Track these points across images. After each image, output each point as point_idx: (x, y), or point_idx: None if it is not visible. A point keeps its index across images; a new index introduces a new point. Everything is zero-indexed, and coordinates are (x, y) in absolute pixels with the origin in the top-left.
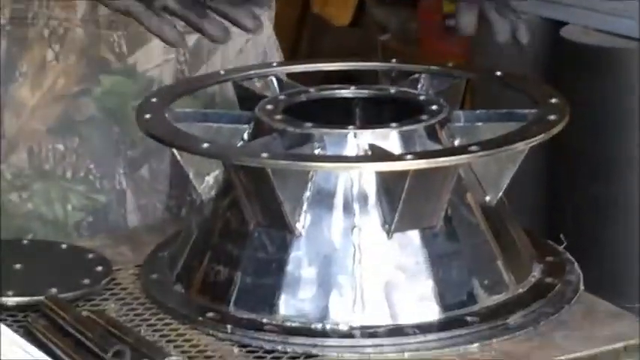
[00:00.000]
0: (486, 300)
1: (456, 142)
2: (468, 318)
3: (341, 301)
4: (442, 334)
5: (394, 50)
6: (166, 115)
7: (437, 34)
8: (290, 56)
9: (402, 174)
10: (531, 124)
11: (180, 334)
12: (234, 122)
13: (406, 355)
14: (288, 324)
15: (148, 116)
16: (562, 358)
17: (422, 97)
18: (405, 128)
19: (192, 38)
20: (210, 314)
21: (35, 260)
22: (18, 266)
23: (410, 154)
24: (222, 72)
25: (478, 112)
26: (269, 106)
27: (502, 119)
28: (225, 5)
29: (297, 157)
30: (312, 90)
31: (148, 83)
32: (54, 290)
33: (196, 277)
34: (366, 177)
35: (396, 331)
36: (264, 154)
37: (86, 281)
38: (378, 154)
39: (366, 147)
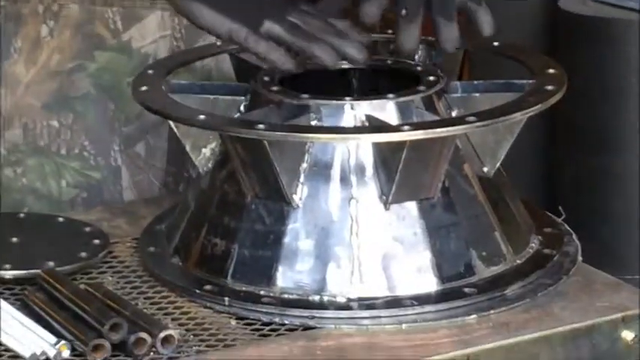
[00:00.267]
0: (484, 271)
1: (454, 113)
2: (466, 289)
3: (338, 272)
4: (440, 306)
5: (392, 21)
6: (162, 87)
7: None
8: None
9: (399, 145)
10: (529, 94)
11: (178, 307)
12: (230, 94)
13: (404, 326)
14: (286, 296)
15: (144, 88)
16: (560, 329)
17: (419, 68)
18: (402, 99)
19: None
20: (207, 287)
21: (32, 233)
22: (15, 239)
23: (407, 124)
24: (218, 43)
25: (475, 82)
26: (265, 78)
27: (499, 90)
28: (331, 35)
29: (293, 128)
30: (308, 61)
31: (144, 59)
32: (51, 263)
33: (194, 249)
34: (363, 148)
35: (394, 302)
36: (261, 126)
37: (83, 254)
38: (375, 125)
39: (363, 118)
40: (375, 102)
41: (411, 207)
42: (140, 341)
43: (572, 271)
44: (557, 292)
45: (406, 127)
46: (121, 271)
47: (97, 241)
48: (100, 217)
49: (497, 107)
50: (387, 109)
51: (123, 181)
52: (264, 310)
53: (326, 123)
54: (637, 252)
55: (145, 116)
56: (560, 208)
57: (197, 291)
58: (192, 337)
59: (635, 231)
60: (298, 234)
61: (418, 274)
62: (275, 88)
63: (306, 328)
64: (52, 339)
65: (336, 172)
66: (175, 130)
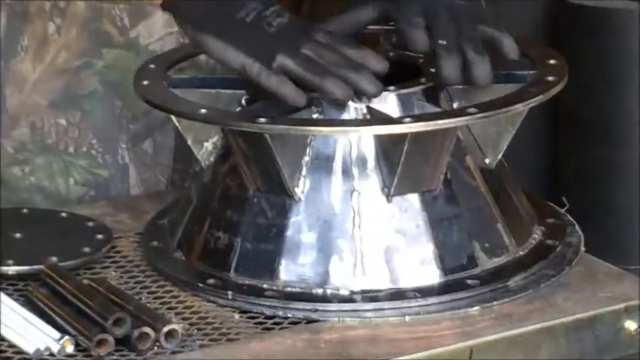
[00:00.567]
0: (487, 263)
1: (455, 105)
2: (469, 281)
3: (341, 265)
4: (443, 298)
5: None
6: (164, 81)
7: None
8: None
9: (401, 137)
10: (530, 85)
11: (181, 301)
12: (232, 87)
13: (407, 318)
14: (289, 289)
15: (145, 82)
16: (563, 320)
17: (420, 60)
18: (403, 91)
19: None
20: (210, 281)
21: (35, 229)
22: (18, 235)
23: (408, 117)
24: None
25: None
26: None
27: (501, 81)
28: (345, 68)
29: (295, 121)
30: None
31: (151, 56)
32: (54, 259)
33: (196, 243)
34: (364, 141)
35: (397, 294)
36: (263, 119)
37: (86, 249)
38: (376, 117)
39: (365, 110)
40: None
41: (413, 199)
42: (144, 336)
43: (574, 262)
44: (559, 283)
45: (407, 120)
46: (125, 265)
47: (100, 236)
48: (104, 211)
49: (499, 98)
50: (388, 102)
51: (130, 178)
52: (267, 303)
53: (327, 116)
54: (638, 242)
55: (152, 114)
56: (563, 198)
57: (200, 285)
58: (195, 331)
59: (638, 222)
60: (301, 227)
61: (421, 266)
62: None
63: (310, 321)
64: (56, 334)
65: (338, 165)
66: (177, 124)
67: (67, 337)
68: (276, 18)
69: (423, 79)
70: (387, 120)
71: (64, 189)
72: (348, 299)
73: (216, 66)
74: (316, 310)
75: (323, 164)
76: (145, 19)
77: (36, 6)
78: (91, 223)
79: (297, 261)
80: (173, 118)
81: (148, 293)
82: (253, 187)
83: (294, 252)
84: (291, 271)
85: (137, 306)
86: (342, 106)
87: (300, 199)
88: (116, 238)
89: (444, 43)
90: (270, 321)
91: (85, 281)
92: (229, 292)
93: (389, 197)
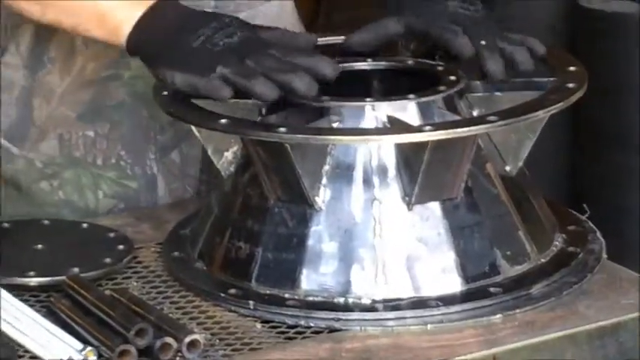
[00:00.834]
0: (509, 270)
1: (475, 113)
2: (491, 289)
3: (363, 274)
4: (465, 306)
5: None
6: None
7: None
8: (307, 30)
9: (421, 145)
10: (550, 92)
11: (203, 311)
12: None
13: (429, 327)
14: (311, 299)
15: (165, 93)
16: (586, 327)
17: (440, 68)
18: (423, 99)
19: None
20: (232, 290)
21: (56, 240)
22: (39, 246)
23: (428, 125)
24: None
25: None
26: None
27: (520, 88)
28: (279, 72)
29: (315, 130)
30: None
31: None
32: (76, 270)
33: (217, 253)
34: (385, 149)
35: (419, 303)
36: (282, 129)
37: (108, 260)
38: (396, 126)
39: (385, 119)
40: (396, 103)
41: (435, 207)
42: (166, 346)
43: (596, 269)
44: (582, 290)
45: (428, 128)
46: (146, 276)
47: (121, 247)
48: (125, 222)
49: (519, 106)
50: (408, 110)
51: (159, 189)
52: (289, 313)
53: (347, 125)
54: None
55: (179, 124)
56: (584, 205)
57: (222, 295)
58: (217, 341)
59: None
60: (321, 236)
61: (443, 275)
62: None
63: (332, 330)
64: (79, 345)
65: (358, 174)
66: (197, 134)
67: (89, 347)
68: (225, 39)
69: (442, 87)
70: (407, 128)
71: (92, 202)
72: (370, 308)
73: None
74: (338, 319)
75: (343, 173)
76: None
77: None
78: (112, 234)
79: (318, 270)
80: (193, 128)
81: (170, 303)
82: (274, 197)
83: (315, 261)
84: (313, 280)
85: (159, 316)
86: (361, 114)
87: (320, 209)
88: (137, 249)
89: (484, 43)
90: (293, 330)
91: (107, 292)
92: (251, 302)
93: (410, 206)
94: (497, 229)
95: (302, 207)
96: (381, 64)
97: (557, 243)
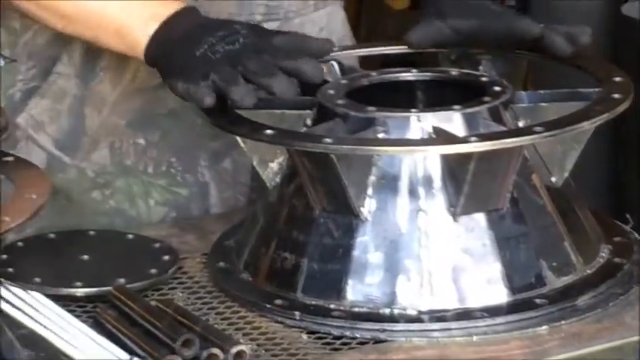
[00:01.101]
0: (555, 282)
1: (520, 123)
2: (537, 300)
3: (408, 285)
4: (510, 317)
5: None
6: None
7: None
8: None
9: (467, 156)
10: (596, 103)
11: (249, 322)
12: (297, 108)
13: (475, 338)
14: (356, 309)
15: None
16: (632, 338)
17: (484, 79)
18: (468, 110)
19: (272, 26)
20: (278, 301)
21: (102, 251)
22: (85, 257)
23: (474, 136)
24: None
25: (542, 92)
26: (331, 91)
27: (566, 99)
28: (260, 76)
29: (360, 141)
30: (373, 74)
31: None
32: (122, 280)
33: (263, 264)
34: (430, 160)
35: (464, 314)
36: (328, 140)
37: (153, 271)
38: (442, 136)
39: (430, 130)
40: (441, 113)
41: (480, 218)
42: (212, 357)
43: None
44: (628, 302)
45: (474, 139)
46: (191, 286)
47: (166, 257)
48: (170, 232)
49: (565, 117)
50: (453, 121)
51: (211, 197)
52: (334, 323)
53: (392, 135)
54: None
55: None
56: (627, 215)
57: (267, 306)
58: (263, 352)
59: None
60: (367, 247)
61: (488, 286)
62: (341, 102)
63: (377, 341)
64: (125, 356)
65: (403, 185)
66: (242, 145)
67: (135, 358)
68: (226, 46)
69: (487, 98)
70: (453, 139)
71: (144, 211)
72: (416, 319)
73: None
74: (384, 330)
75: (389, 184)
76: None
77: None
78: (157, 245)
79: (364, 281)
80: (239, 139)
81: (216, 314)
82: (319, 208)
83: (360, 272)
84: (358, 291)
85: (205, 327)
86: (407, 125)
87: (366, 219)
88: (182, 259)
89: (542, 25)
90: (338, 341)
91: (153, 302)
92: (297, 313)
93: (455, 216)
94: (542, 240)
95: (347, 217)
96: (426, 75)
97: (603, 254)
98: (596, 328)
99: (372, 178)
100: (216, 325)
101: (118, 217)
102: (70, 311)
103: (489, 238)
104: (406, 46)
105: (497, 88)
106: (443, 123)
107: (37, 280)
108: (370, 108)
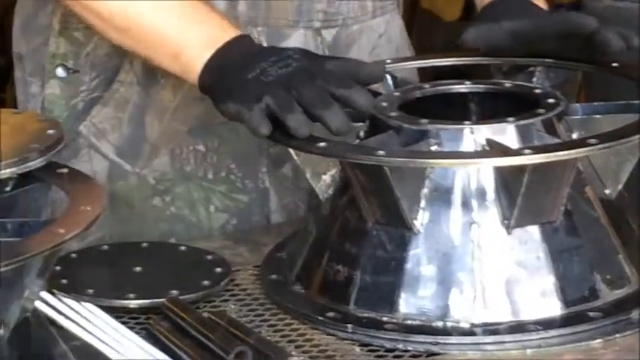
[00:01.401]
0: (609, 295)
1: (574, 136)
2: (591, 313)
3: (461, 298)
4: (564, 330)
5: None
6: None
7: None
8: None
9: (521, 169)
10: None
11: (301, 334)
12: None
13: (528, 352)
14: (409, 322)
15: None
16: None
17: (538, 91)
18: (522, 122)
19: (330, 33)
20: (330, 314)
21: (155, 262)
22: (138, 269)
23: (528, 148)
24: None
25: (595, 104)
26: (384, 103)
27: (620, 111)
28: (315, 107)
29: (414, 154)
30: (426, 86)
31: None
32: (175, 292)
33: (316, 276)
34: (484, 172)
35: (518, 327)
36: (381, 152)
37: (206, 282)
38: (496, 149)
39: (483, 142)
40: (495, 126)
41: (534, 231)
42: None
43: None
44: None
45: (527, 151)
46: (244, 299)
47: (219, 270)
48: (222, 244)
49: (619, 129)
50: (507, 133)
51: (271, 203)
52: (387, 336)
53: (446, 148)
54: None
55: None
56: None
57: (320, 318)
58: None
59: None
60: (420, 260)
61: (542, 299)
62: (394, 114)
63: (430, 354)
64: None
65: (457, 197)
66: (295, 157)
67: None
68: (279, 70)
69: (541, 110)
70: (506, 151)
71: (204, 217)
72: (469, 332)
73: None
74: (437, 343)
75: (442, 196)
76: (282, 41)
77: None
78: (209, 257)
79: (416, 294)
80: (291, 151)
81: (268, 326)
82: (372, 220)
83: (413, 285)
84: (411, 303)
85: (258, 339)
86: (460, 137)
87: (419, 232)
88: (235, 272)
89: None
90: (391, 354)
91: (205, 314)
92: (349, 325)
93: (509, 229)
94: (596, 252)
95: (400, 230)
96: (479, 87)
97: None
98: None
99: (425, 191)
100: (268, 338)
101: (178, 223)
102: (122, 323)
103: (543, 250)
104: (458, 58)
105: (550, 100)
106: (496, 135)
107: (90, 291)
108: (423, 120)
